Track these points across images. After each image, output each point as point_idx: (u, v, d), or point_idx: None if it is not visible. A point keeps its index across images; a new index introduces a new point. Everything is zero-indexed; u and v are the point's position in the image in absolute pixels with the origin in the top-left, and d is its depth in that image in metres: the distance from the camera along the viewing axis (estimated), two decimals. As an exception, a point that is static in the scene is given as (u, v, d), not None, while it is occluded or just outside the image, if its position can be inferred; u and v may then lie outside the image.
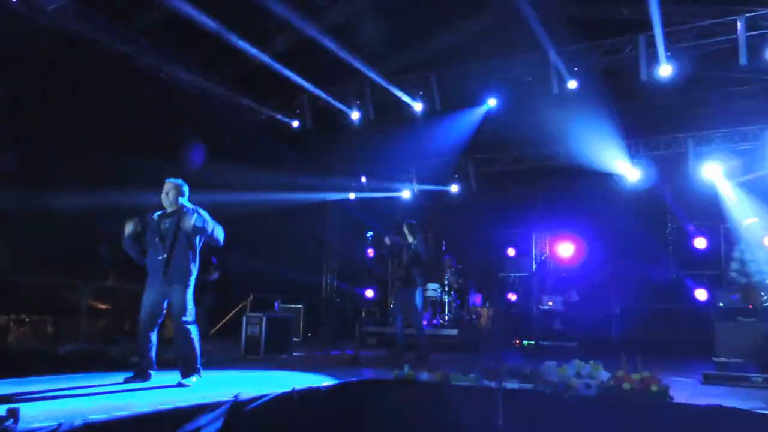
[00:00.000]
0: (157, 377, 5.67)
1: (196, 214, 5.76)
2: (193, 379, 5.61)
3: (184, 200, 5.96)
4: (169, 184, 6.00)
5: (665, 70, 10.81)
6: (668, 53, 10.73)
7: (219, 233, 5.95)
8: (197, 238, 5.88)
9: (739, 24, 10.06)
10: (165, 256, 5.72)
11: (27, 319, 9.26)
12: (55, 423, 3.28)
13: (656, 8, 9.77)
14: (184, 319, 5.70)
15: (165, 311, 5.88)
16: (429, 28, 12.46)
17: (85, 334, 9.37)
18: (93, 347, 8.47)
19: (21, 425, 3.25)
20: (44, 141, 9.62)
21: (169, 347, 6.19)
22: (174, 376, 5.61)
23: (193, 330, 5.76)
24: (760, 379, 6.44)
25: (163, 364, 5.89)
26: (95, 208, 9.85)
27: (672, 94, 12.43)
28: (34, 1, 9.71)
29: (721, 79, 11.97)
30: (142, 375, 5.64)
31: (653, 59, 10.83)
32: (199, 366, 5.74)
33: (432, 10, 11.58)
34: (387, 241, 9.41)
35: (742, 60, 10.14)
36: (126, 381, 5.51)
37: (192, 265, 5.82)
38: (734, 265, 7.90)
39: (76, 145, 10.18)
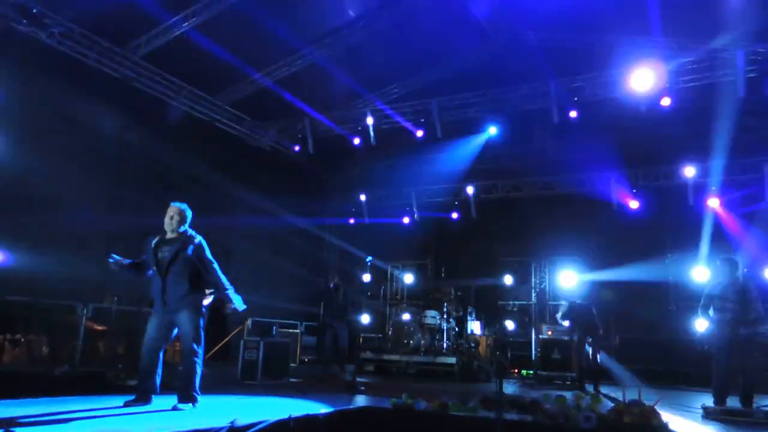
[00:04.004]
0: (157, 401, 5.58)
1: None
2: (189, 405, 5.54)
3: (185, 227, 5.90)
4: (174, 207, 5.88)
5: (665, 101, 10.90)
6: (668, 85, 10.83)
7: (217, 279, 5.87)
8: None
9: (738, 58, 10.18)
10: (161, 285, 5.67)
11: (22, 339, 9.17)
12: (50, 447, 3.24)
13: (658, 40, 9.90)
14: (193, 346, 5.64)
15: (173, 338, 5.83)
16: (431, 56, 12.57)
17: (81, 356, 9.28)
18: (89, 369, 8.38)
19: (15, 449, 3.21)
20: (43, 159, 9.64)
21: (167, 371, 6.12)
22: (172, 401, 5.55)
23: (200, 357, 5.71)
24: (761, 415, 6.37)
25: (163, 389, 5.81)
26: (93, 229, 9.92)
27: (672, 126, 12.51)
28: (42, 24, 9.85)
29: (721, 112, 12.04)
30: (143, 398, 5.53)
31: (654, 90, 10.92)
32: (196, 394, 5.67)
33: (434, 38, 11.71)
34: None
35: (741, 93, 10.25)
36: (126, 404, 5.40)
37: (193, 292, 5.72)
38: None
39: (74, 164, 10.23)
